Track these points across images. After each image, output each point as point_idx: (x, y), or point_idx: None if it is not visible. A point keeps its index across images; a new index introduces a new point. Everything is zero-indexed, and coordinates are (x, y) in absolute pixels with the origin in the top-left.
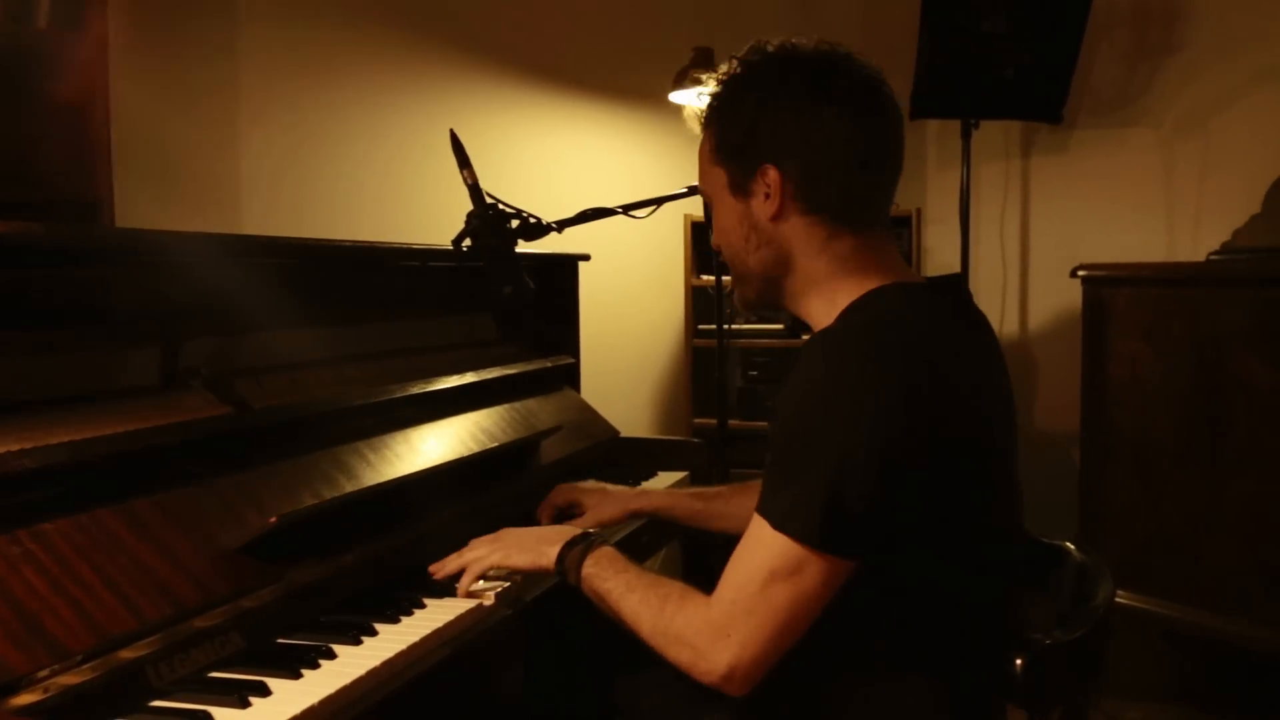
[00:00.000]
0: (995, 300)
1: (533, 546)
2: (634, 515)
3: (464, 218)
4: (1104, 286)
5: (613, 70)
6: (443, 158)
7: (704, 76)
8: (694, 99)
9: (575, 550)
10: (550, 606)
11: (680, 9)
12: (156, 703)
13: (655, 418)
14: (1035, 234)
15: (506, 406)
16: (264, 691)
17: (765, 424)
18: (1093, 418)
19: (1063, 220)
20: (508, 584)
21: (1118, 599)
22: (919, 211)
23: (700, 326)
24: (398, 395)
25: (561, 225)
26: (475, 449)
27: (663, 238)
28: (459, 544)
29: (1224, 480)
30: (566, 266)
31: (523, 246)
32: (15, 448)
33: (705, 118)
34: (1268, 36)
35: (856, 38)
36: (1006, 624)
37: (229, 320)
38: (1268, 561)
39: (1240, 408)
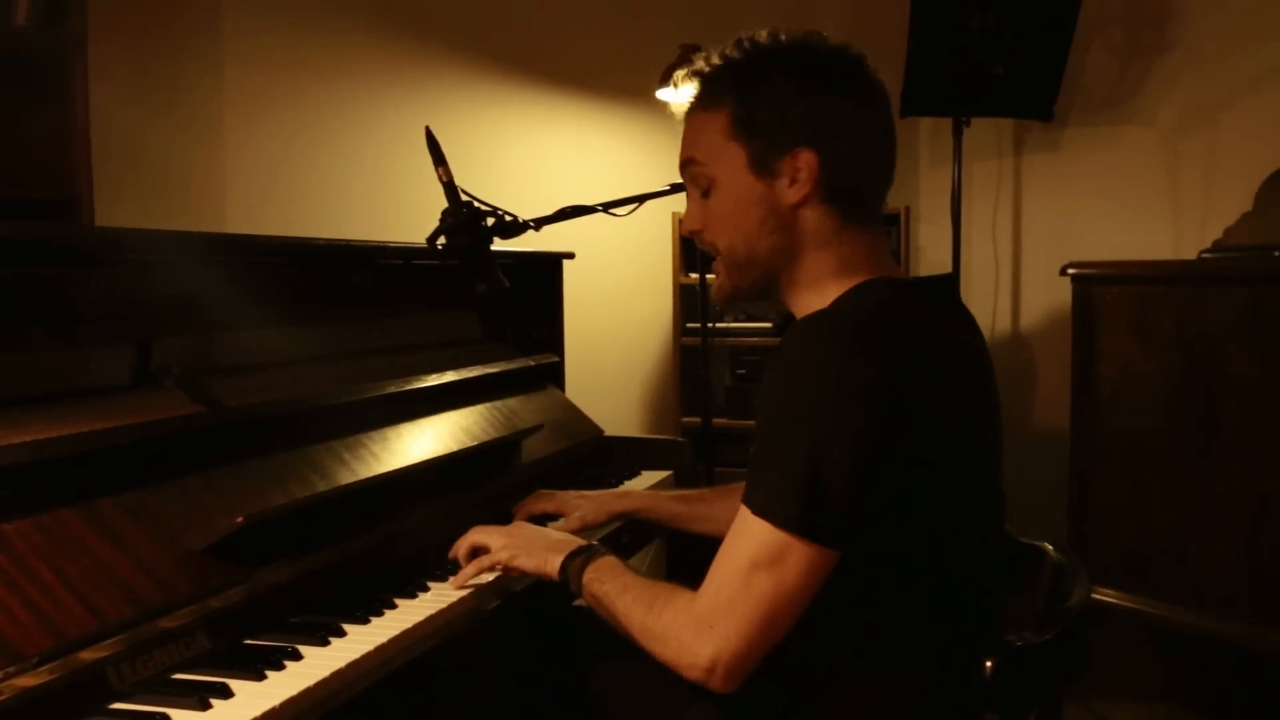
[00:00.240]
0: (987, 299)
1: (540, 553)
2: (615, 517)
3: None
4: (1093, 284)
5: (600, 69)
6: (429, 157)
7: (704, 52)
8: (689, 79)
9: (578, 560)
10: (529, 602)
11: (668, 7)
12: (116, 705)
13: (643, 417)
14: (1027, 232)
15: (488, 405)
16: (226, 693)
17: (753, 422)
18: (1082, 416)
19: (1055, 219)
20: (497, 574)
21: (1108, 598)
22: (908, 209)
23: (688, 325)
24: (375, 394)
25: (539, 223)
26: (454, 448)
27: (651, 236)
28: (435, 544)
29: (1214, 479)
30: (550, 265)
31: (505, 245)
32: None
33: (717, 88)
34: (1261, 35)
35: (846, 35)
36: (989, 624)
37: (204, 319)
38: (1257, 560)
39: (1230, 406)
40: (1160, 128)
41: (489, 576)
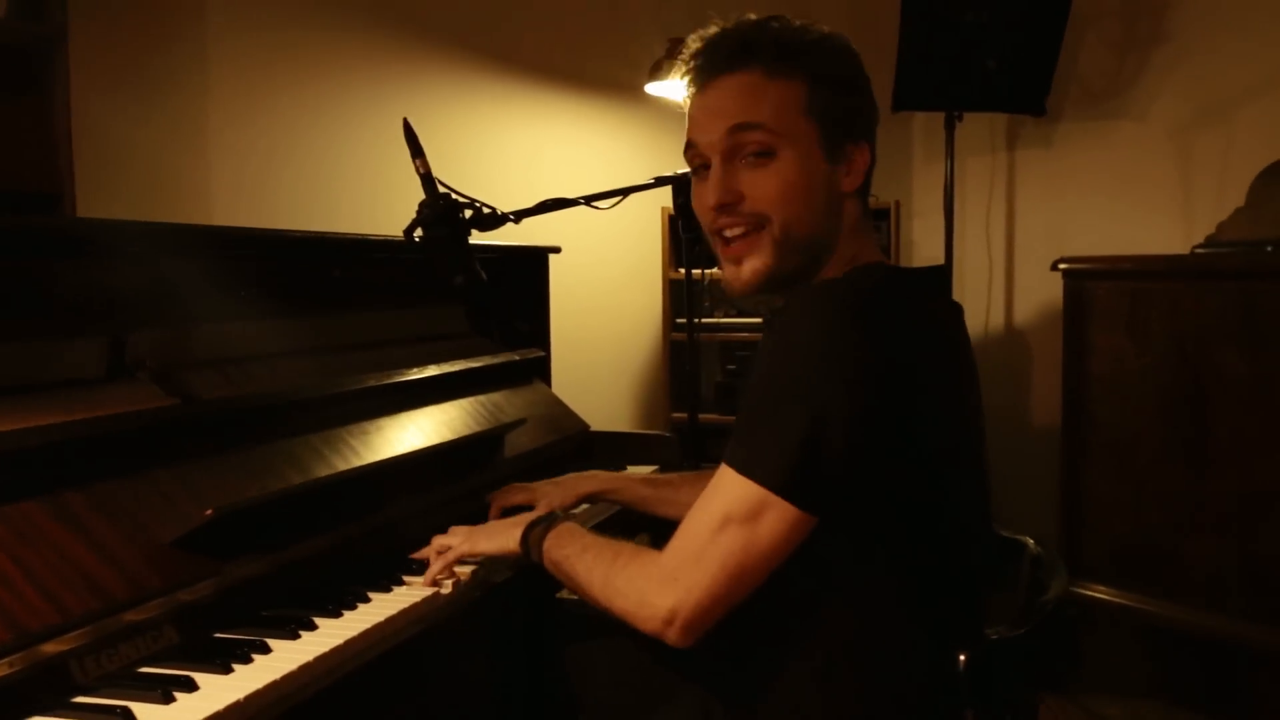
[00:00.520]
0: (980, 295)
1: (500, 532)
2: (583, 498)
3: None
4: (1084, 279)
5: (588, 63)
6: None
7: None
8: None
9: (538, 529)
10: (507, 594)
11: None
12: (79, 698)
13: (634, 413)
14: (1020, 228)
15: (471, 400)
16: (191, 686)
17: None
18: (1073, 413)
19: (1048, 214)
20: (473, 568)
21: (1099, 595)
22: (898, 204)
23: (678, 320)
24: (354, 388)
25: (519, 216)
26: (436, 442)
27: (641, 231)
28: (413, 538)
29: (1204, 475)
30: (536, 259)
31: (490, 239)
32: None
33: (788, 59)
34: (1257, 27)
35: (838, 29)
36: (969, 617)
37: (182, 312)
38: (1248, 556)
39: (1221, 402)
40: (1154, 122)
41: (465, 570)
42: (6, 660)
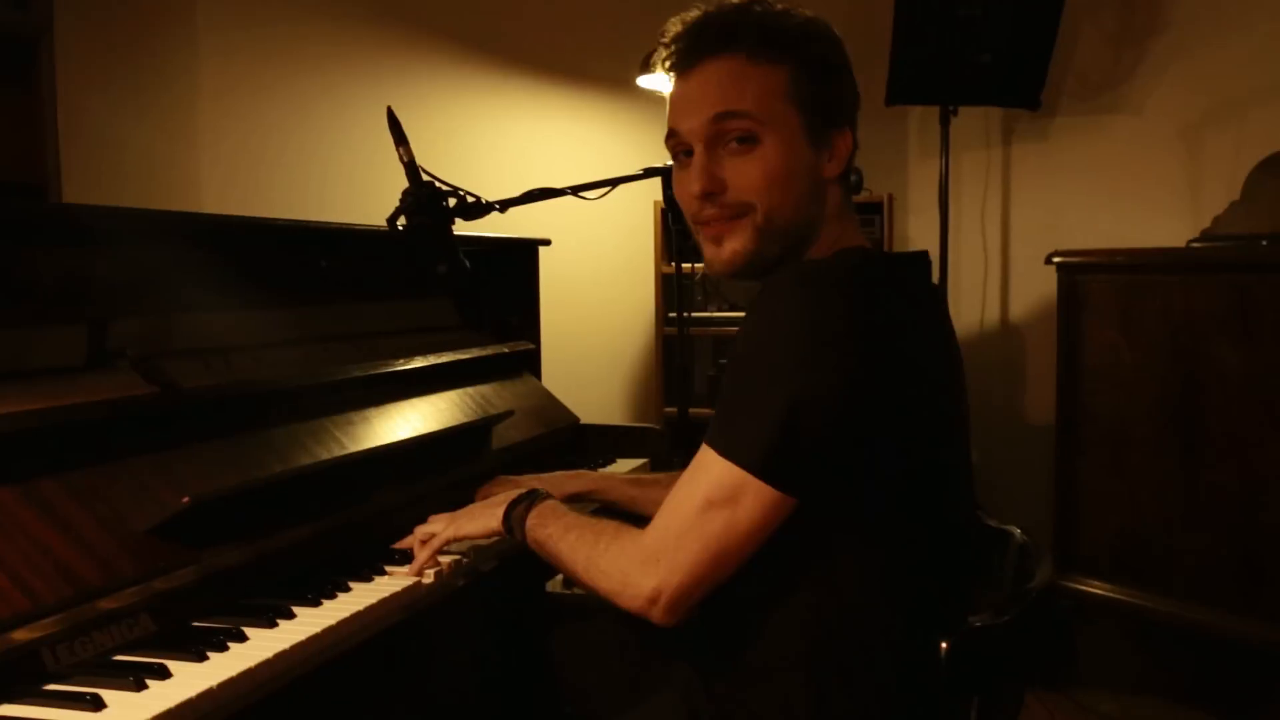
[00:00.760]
0: (976, 289)
1: (482, 513)
2: (570, 498)
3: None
4: (1078, 273)
5: (580, 56)
6: (413, 142)
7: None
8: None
9: (519, 507)
10: (492, 585)
11: None
12: (51, 686)
13: (626, 407)
14: (1016, 223)
15: (459, 392)
16: (164, 674)
17: None
18: (1067, 407)
19: (1044, 209)
20: (456, 557)
21: (1093, 589)
22: (891, 198)
23: (670, 315)
24: (339, 378)
25: (505, 205)
26: (422, 433)
27: (634, 225)
28: (398, 529)
29: (1199, 469)
30: (525, 251)
31: (481, 231)
32: None
33: (773, 44)
34: (1254, 21)
35: (830, 21)
36: (953, 605)
37: (166, 301)
38: (1243, 551)
39: (1215, 395)
40: (1150, 116)
41: (446, 559)
42: None
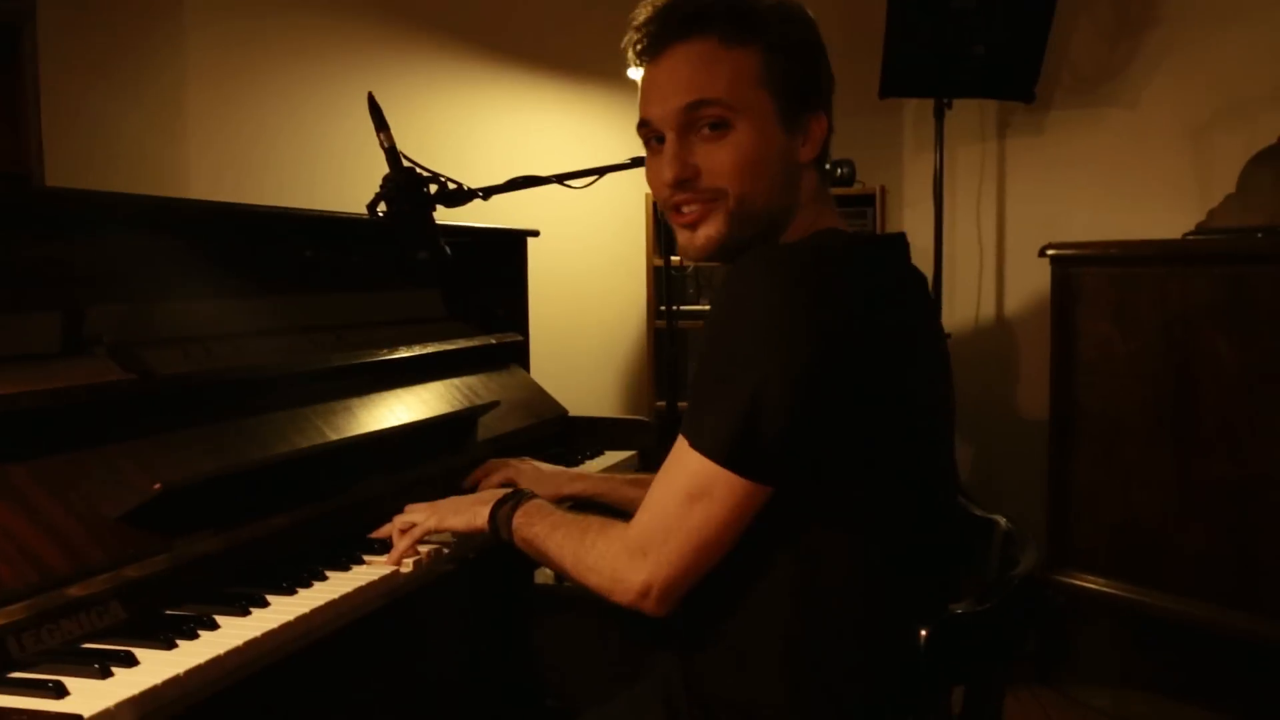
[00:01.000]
0: (971, 283)
1: (467, 508)
2: (567, 499)
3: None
4: (1072, 266)
5: (572, 47)
6: (404, 132)
7: None
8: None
9: (506, 506)
10: (470, 572)
11: None
12: (14, 674)
13: (618, 400)
14: (1011, 216)
15: (445, 383)
16: (131, 662)
17: None
18: (1061, 400)
19: (1039, 202)
20: (435, 547)
21: (1087, 584)
22: (883, 189)
23: (663, 308)
24: (321, 367)
25: (488, 192)
26: (404, 422)
27: (626, 218)
28: (379, 518)
29: (1193, 462)
30: (513, 242)
31: (470, 222)
32: None
33: (743, 27)
34: (1248, 11)
35: (825, 15)
36: (935, 593)
37: (145, 288)
38: (1238, 544)
39: (1209, 388)
40: (1145, 109)
41: (425, 549)
42: None
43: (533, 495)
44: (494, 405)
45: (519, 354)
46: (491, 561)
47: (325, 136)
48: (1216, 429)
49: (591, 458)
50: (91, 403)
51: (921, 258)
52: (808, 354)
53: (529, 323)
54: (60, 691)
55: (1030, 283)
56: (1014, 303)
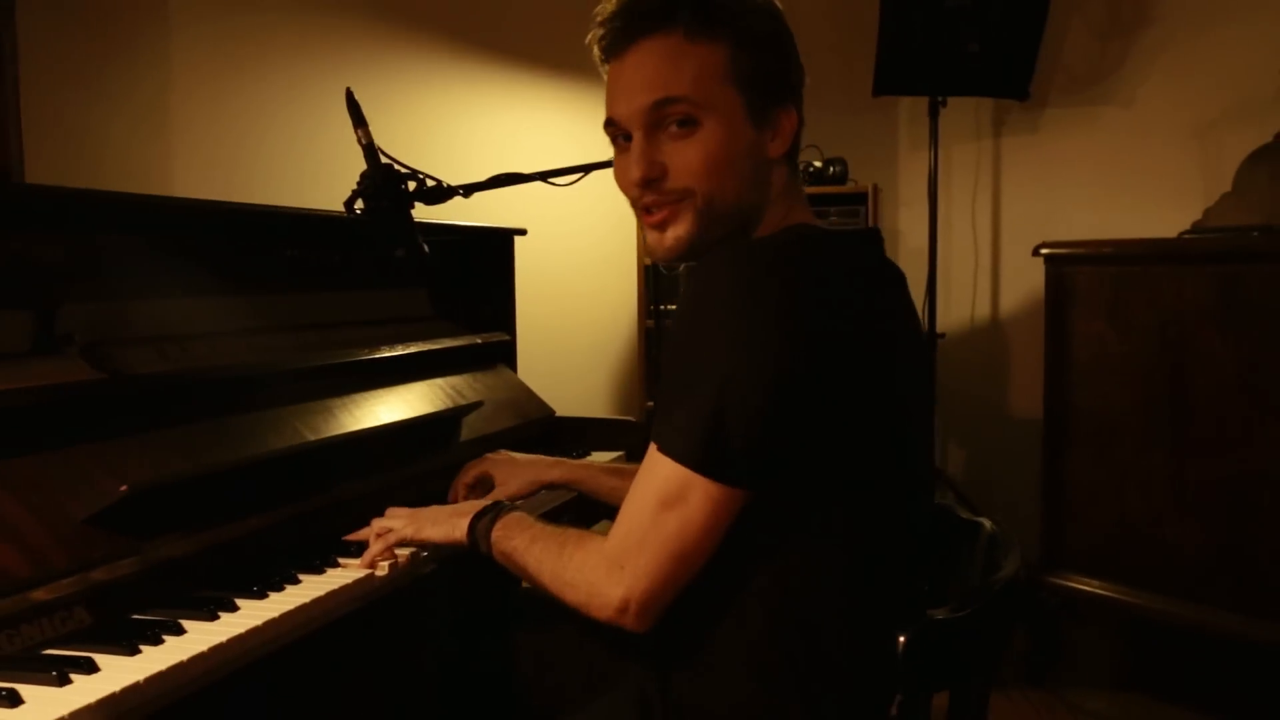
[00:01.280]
0: (966, 282)
1: (446, 519)
2: (544, 487)
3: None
4: (1066, 265)
5: (562, 46)
6: (393, 132)
7: None
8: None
9: (484, 519)
10: (447, 577)
11: None
12: None
13: (608, 400)
14: (1006, 215)
15: (429, 383)
16: (91, 668)
17: None
18: (1055, 400)
19: (1034, 201)
20: (411, 551)
21: (1081, 586)
22: (876, 188)
23: (653, 307)
24: (300, 366)
25: (468, 190)
26: (386, 422)
27: (616, 217)
28: (359, 520)
29: (1188, 462)
30: (500, 241)
31: (453, 219)
32: None
33: (708, 21)
34: (1242, 10)
35: (819, 11)
36: (913, 597)
37: (119, 287)
38: (1233, 545)
39: (1204, 387)
40: (1140, 107)
41: (404, 553)
42: None
43: (512, 507)
44: (478, 405)
45: (506, 354)
46: (471, 565)
47: (312, 135)
48: (1212, 429)
49: (578, 458)
50: (59, 403)
51: (916, 256)
52: (776, 350)
53: (516, 322)
54: (14, 700)
55: (1025, 282)
56: (1008, 302)
